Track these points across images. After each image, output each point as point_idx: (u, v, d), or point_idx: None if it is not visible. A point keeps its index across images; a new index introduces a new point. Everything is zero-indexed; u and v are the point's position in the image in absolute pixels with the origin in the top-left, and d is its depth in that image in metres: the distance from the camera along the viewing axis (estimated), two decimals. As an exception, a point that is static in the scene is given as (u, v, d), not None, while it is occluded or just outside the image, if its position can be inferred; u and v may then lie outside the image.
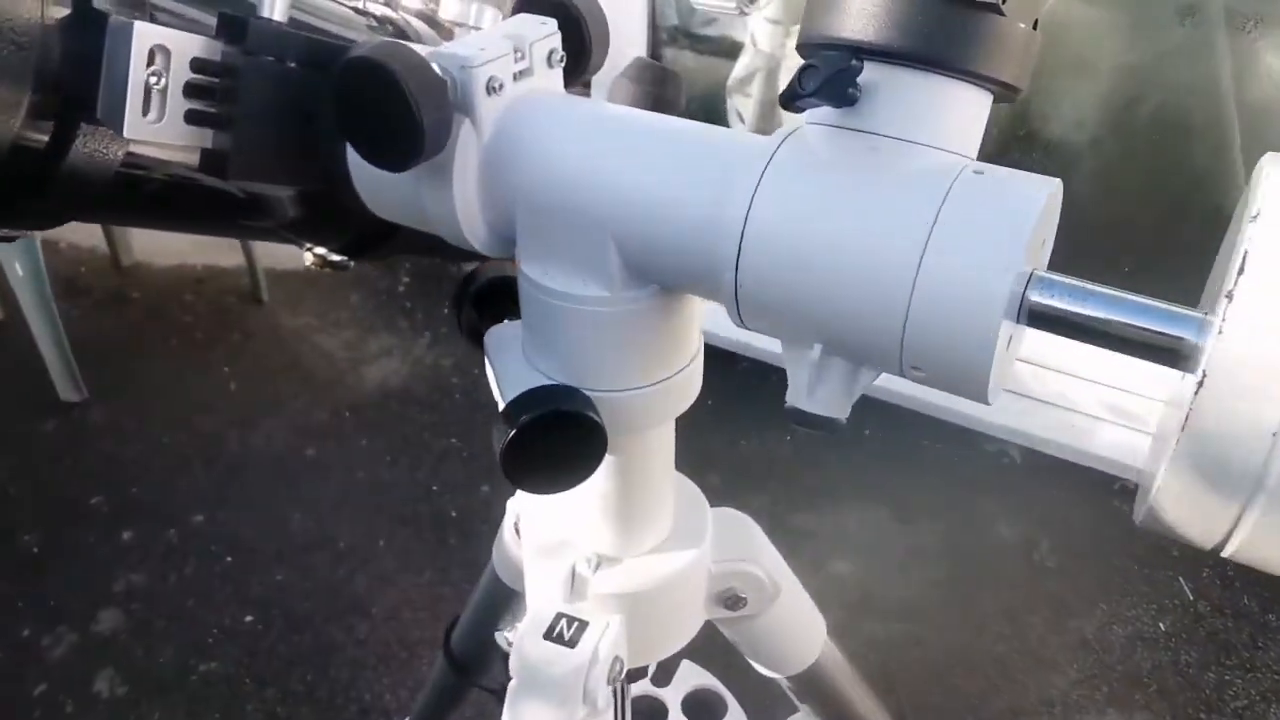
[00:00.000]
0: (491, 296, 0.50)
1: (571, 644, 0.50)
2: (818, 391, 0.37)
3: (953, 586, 1.67)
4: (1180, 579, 1.66)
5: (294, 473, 1.88)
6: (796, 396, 0.38)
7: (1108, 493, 1.81)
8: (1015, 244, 0.32)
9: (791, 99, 0.33)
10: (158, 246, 2.46)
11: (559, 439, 0.42)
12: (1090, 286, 0.34)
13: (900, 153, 0.34)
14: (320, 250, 0.64)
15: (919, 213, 0.33)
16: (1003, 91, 0.35)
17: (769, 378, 2.01)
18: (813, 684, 0.61)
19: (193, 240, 2.49)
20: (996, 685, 1.51)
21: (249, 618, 1.60)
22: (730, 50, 2.13)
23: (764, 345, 1.99)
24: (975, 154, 0.36)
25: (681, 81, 0.65)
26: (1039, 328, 0.34)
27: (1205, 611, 1.61)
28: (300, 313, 2.29)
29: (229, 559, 1.70)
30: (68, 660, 1.53)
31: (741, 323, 0.38)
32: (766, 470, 1.86)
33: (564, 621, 0.51)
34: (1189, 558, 1.69)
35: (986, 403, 0.35)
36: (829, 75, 0.32)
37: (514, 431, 0.40)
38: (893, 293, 0.33)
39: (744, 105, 2.08)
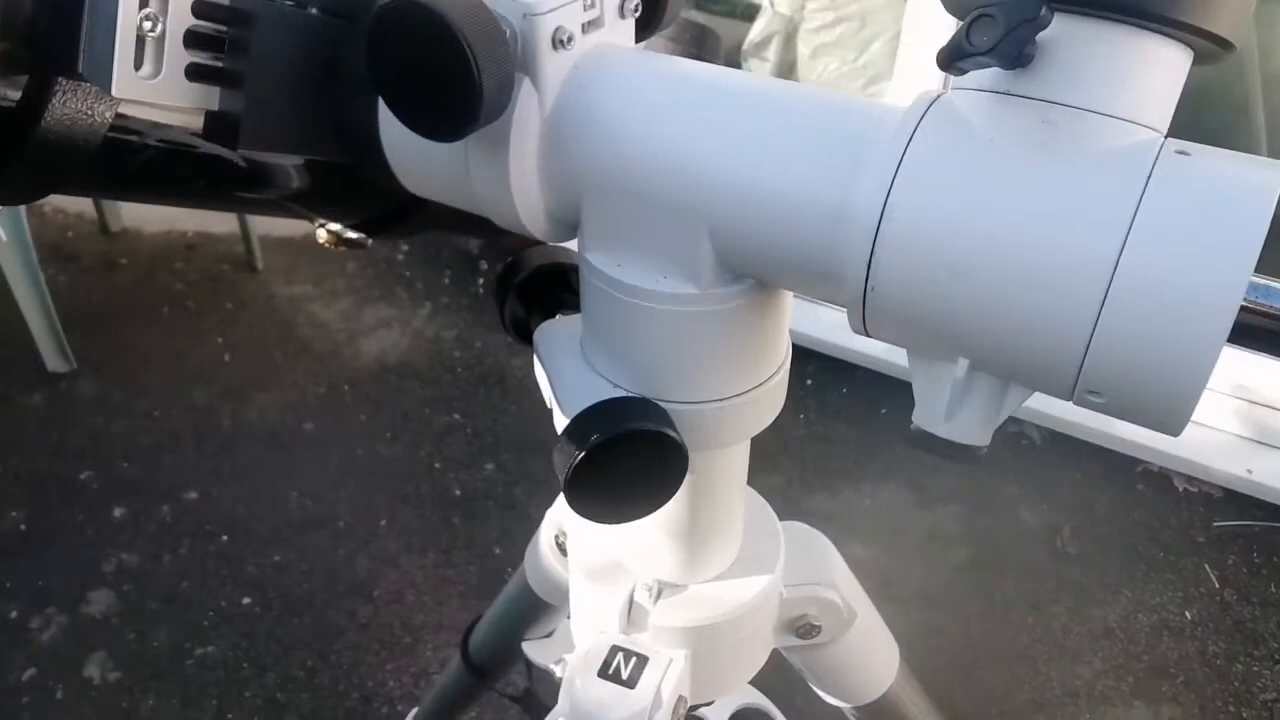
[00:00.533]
0: (541, 286, 0.43)
1: (630, 683, 0.44)
2: (958, 415, 0.30)
3: (973, 572, 1.62)
4: (1206, 566, 1.61)
5: (291, 449, 1.81)
6: (929, 419, 0.31)
7: (1131, 476, 1.76)
8: (1246, 247, 0.25)
9: (955, 58, 0.26)
10: (147, 212, 2.37)
11: (633, 462, 0.35)
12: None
13: (1082, 126, 0.28)
14: (335, 226, 0.57)
15: (1114, 204, 0.26)
16: (1210, 48, 0.28)
17: (781, 353, 1.95)
18: (881, 713, 0.55)
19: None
20: (1019, 676, 1.47)
21: (246, 600, 1.54)
22: (747, 12, 2.05)
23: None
24: (1167, 129, 0.29)
25: (720, 41, 0.58)
26: (1241, 343, 0.28)
27: (1232, 600, 1.57)
28: (295, 281, 2.21)
29: (224, 538, 1.64)
30: (57, 643, 1.47)
31: (865, 330, 0.32)
32: (781, 449, 1.80)
33: (620, 656, 0.45)
34: (1214, 543, 1.65)
35: (1176, 434, 0.28)
36: (1011, 27, 0.25)
37: (582, 454, 0.34)
38: (1077, 304, 0.27)
39: (760, 69, 2.00)
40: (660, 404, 0.37)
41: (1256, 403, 1.72)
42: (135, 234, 2.34)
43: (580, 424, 0.35)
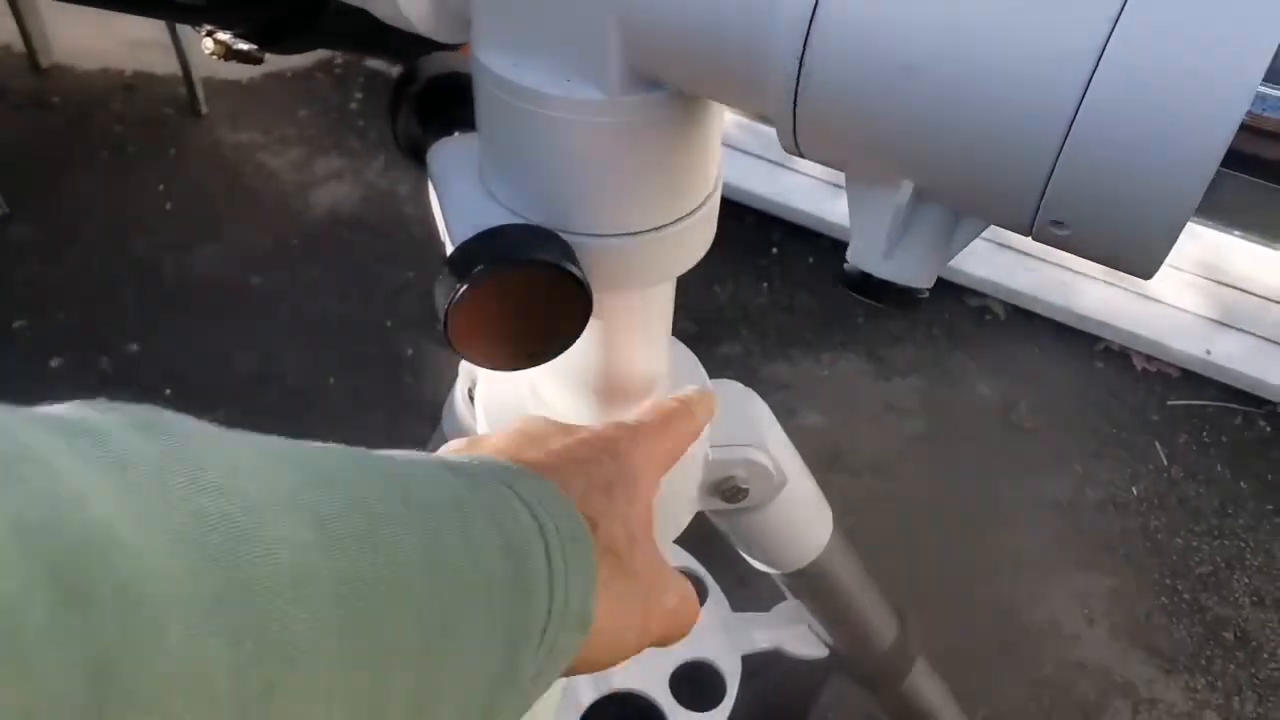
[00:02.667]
0: (439, 99, 0.37)
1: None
2: (900, 251, 0.26)
3: (927, 443, 1.62)
4: (1157, 443, 1.62)
5: (237, 303, 1.75)
6: (864, 255, 0.27)
7: (1091, 353, 1.75)
8: (1258, 39, 0.20)
9: None
10: (81, 47, 2.22)
11: (526, 299, 0.31)
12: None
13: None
14: (223, 35, 0.50)
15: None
16: None
17: (745, 219, 1.89)
18: (811, 581, 0.53)
19: (120, 41, 2.26)
20: (964, 545, 1.49)
21: (190, 455, 1.51)
22: None
23: (742, 183, 1.86)
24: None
25: None
26: (1237, 168, 0.23)
27: (1179, 477, 1.58)
28: (242, 128, 2.10)
29: (167, 392, 1.59)
30: (-6, 494, 1.44)
31: (796, 147, 0.27)
32: (742, 318, 1.77)
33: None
34: (1167, 421, 1.65)
35: (1148, 276, 0.24)
36: None
37: (464, 287, 0.29)
38: (1048, 105, 0.22)
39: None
40: (562, 235, 0.32)
41: (1220, 282, 1.70)
42: (69, 71, 2.19)
43: (464, 253, 0.30)
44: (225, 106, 2.13)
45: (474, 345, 0.31)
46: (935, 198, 0.26)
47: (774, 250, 1.89)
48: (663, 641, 0.36)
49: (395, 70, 0.46)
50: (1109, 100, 0.21)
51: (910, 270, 0.27)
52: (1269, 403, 1.65)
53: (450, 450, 0.35)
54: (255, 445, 0.23)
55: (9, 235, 1.82)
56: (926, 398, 1.68)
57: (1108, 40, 0.21)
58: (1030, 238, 0.25)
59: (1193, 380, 1.69)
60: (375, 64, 2.19)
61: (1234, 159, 0.22)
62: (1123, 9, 0.21)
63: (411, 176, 1.98)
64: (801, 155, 0.27)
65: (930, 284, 0.27)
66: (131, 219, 1.87)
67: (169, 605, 0.18)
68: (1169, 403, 1.68)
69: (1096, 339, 1.75)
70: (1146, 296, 1.74)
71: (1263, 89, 0.21)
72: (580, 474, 0.34)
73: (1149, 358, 1.72)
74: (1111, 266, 0.24)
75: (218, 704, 0.18)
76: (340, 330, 1.71)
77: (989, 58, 0.22)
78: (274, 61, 2.45)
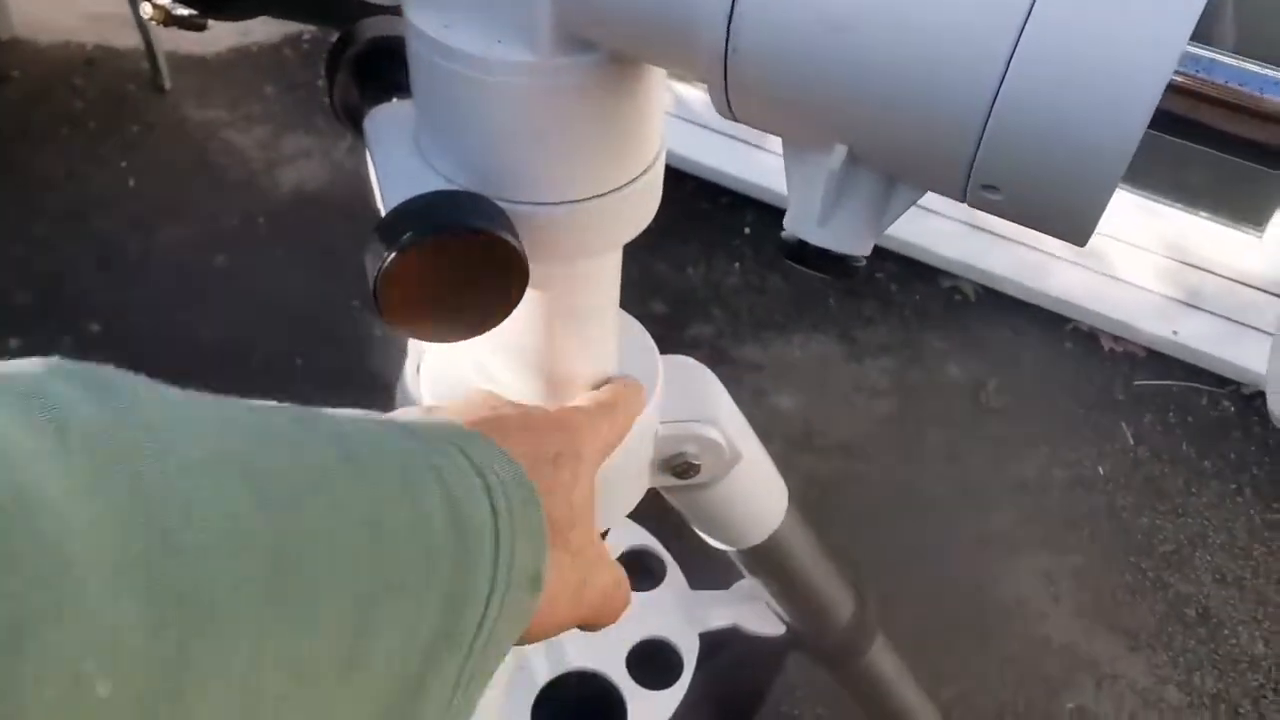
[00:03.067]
0: (375, 64, 0.36)
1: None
2: (834, 217, 0.25)
3: (896, 424, 1.62)
4: (1123, 423, 1.64)
5: (202, 282, 1.72)
6: (800, 223, 0.26)
7: (1060, 334, 1.76)
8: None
9: None
10: (41, 20, 2.17)
11: (459, 269, 0.30)
12: (1253, 65, 0.22)
13: None
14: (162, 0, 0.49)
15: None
16: None
17: (718, 200, 1.88)
18: (767, 559, 0.53)
19: (82, 15, 2.21)
20: (931, 524, 1.50)
21: (153, 436, 1.49)
22: None
23: (714, 164, 1.85)
24: None
25: None
26: (1165, 129, 0.23)
27: (1145, 457, 1.60)
28: (207, 104, 2.06)
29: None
30: (-48, 476, 1.42)
31: (729, 110, 0.26)
32: (713, 298, 1.76)
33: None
34: (1133, 401, 1.67)
35: (1082, 243, 0.23)
36: None
37: (393, 254, 0.28)
38: (975, 65, 0.21)
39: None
40: (499, 202, 0.31)
41: (1186, 263, 1.72)
42: (28, 44, 2.14)
43: (395, 219, 0.29)
44: (189, 82, 2.10)
45: (404, 316, 0.30)
46: (869, 162, 0.25)
47: (746, 231, 1.88)
48: (593, 622, 0.36)
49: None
50: (1038, 60, 0.21)
51: (846, 238, 0.26)
52: (1233, 383, 1.67)
53: (404, 415, 0.35)
54: (200, 407, 0.23)
55: (-34, 213, 1.78)
56: (897, 378, 1.68)
57: (1030, 10, 0.21)
58: (965, 203, 0.24)
59: (1159, 360, 1.71)
60: (344, 40, 2.16)
61: (1165, 121, 0.21)
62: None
63: (380, 155, 1.96)
64: (735, 118, 0.26)
65: (866, 252, 0.27)
66: (93, 196, 1.84)
67: (91, 566, 0.18)
68: (1136, 383, 1.69)
69: (1065, 320, 1.76)
70: (1115, 278, 1.75)
71: (1192, 49, 0.21)
72: (530, 442, 0.34)
73: (1116, 338, 1.73)
74: (1046, 232, 0.24)
75: (133, 663, 0.18)
76: (308, 310, 1.69)
77: (918, 15, 0.22)
78: (240, 37, 2.40)
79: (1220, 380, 1.67)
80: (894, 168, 0.25)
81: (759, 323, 1.75)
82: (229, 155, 1.97)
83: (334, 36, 0.42)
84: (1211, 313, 1.71)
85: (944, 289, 1.82)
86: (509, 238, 0.29)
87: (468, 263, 0.29)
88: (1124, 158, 0.21)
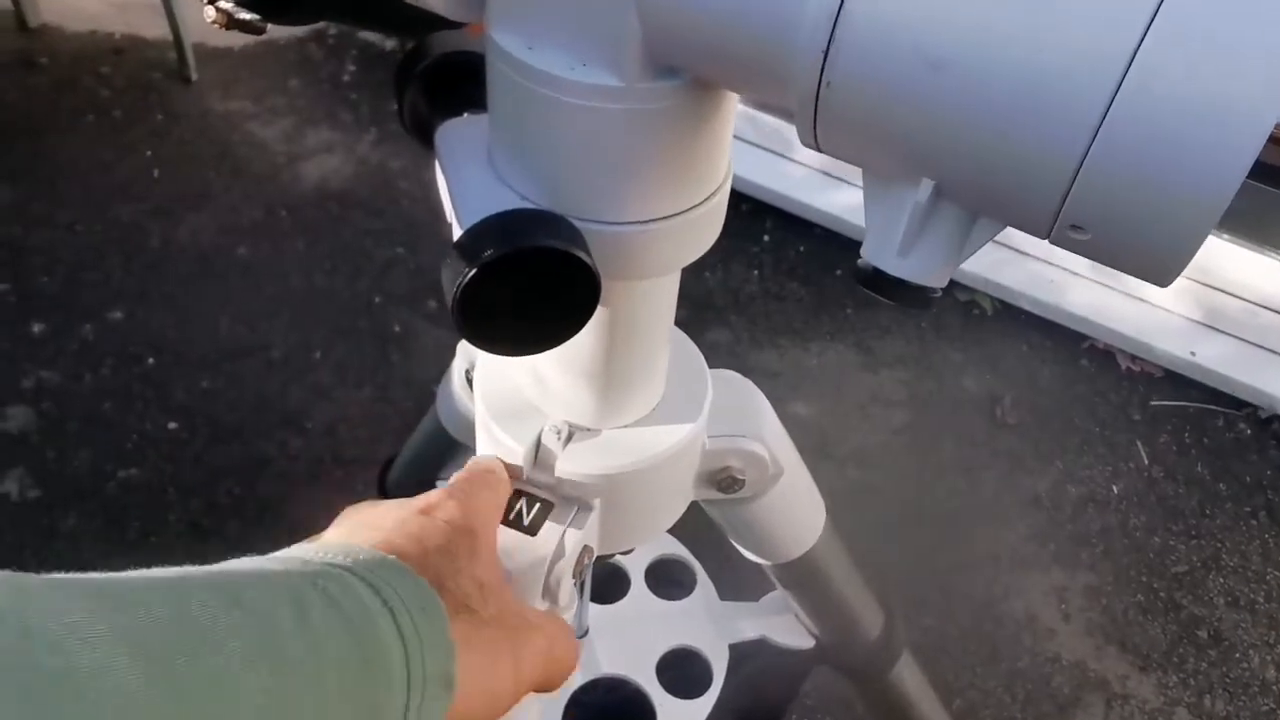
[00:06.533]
0: (447, 78, 0.37)
1: (532, 530, 0.40)
2: (915, 249, 0.26)
3: (911, 436, 1.63)
4: (1139, 443, 1.64)
5: (223, 273, 1.73)
6: (879, 253, 0.27)
7: (1076, 351, 1.76)
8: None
9: None
10: (70, 8, 2.18)
11: (535, 286, 0.30)
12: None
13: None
14: (225, 3, 0.49)
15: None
16: None
17: (738, 206, 1.89)
18: (802, 573, 0.53)
19: (110, 3, 2.22)
20: (944, 538, 1.50)
21: (172, 425, 1.50)
22: None
23: (736, 170, 1.86)
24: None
25: None
26: (1260, 178, 0.23)
27: (1159, 476, 1.60)
28: (232, 96, 2.07)
29: (150, 361, 1.58)
30: (-27, 458, 1.43)
31: (815, 141, 0.26)
32: (732, 304, 1.77)
33: (524, 502, 0.41)
34: (1149, 421, 1.66)
35: (1166, 284, 0.24)
36: None
37: (473, 272, 0.29)
38: (1074, 109, 0.21)
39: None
40: (573, 221, 0.31)
41: (1207, 285, 1.72)
42: (57, 31, 2.16)
43: (474, 237, 0.29)
44: (215, 73, 2.11)
45: (481, 331, 0.30)
46: (954, 197, 0.25)
47: (766, 238, 1.89)
48: (545, 686, 0.36)
49: (391, 44, 0.45)
50: (1137, 107, 0.21)
51: (925, 269, 0.27)
52: (1250, 406, 1.66)
53: (291, 550, 0.34)
54: (80, 593, 0.23)
55: (-8, 197, 1.80)
56: (912, 390, 1.69)
57: (1140, 44, 0.21)
58: (1048, 241, 0.25)
59: (1176, 381, 1.71)
60: (369, 36, 2.17)
61: (1262, 171, 0.22)
62: (1156, 12, 0.21)
63: (405, 152, 1.97)
64: (819, 150, 0.27)
65: (944, 283, 0.27)
66: (118, 184, 1.85)
67: None
68: (1152, 403, 1.69)
69: (1083, 337, 1.76)
70: (1133, 296, 1.75)
71: (1293, 101, 0.21)
72: (415, 542, 0.34)
73: (1134, 357, 1.73)
74: (1127, 273, 0.24)
75: None
76: (328, 304, 1.70)
77: (1018, 56, 0.22)
78: (267, 30, 2.41)
79: (1237, 403, 1.67)
80: (980, 204, 0.25)
81: (776, 330, 1.75)
82: (252, 147, 1.98)
83: (390, 43, 0.42)
84: (1231, 335, 1.71)
85: (961, 302, 1.82)
86: (585, 257, 0.30)
87: (544, 281, 0.30)
88: (1220, 207, 0.21)
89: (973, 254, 0.27)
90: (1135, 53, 0.21)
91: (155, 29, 2.12)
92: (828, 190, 1.85)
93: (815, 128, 0.26)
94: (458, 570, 0.34)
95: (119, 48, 2.14)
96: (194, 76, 2.08)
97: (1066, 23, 0.21)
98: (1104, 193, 0.22)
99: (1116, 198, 0.22)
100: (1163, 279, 0.24)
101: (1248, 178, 0.23)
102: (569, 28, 0.28)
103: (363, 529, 0.35)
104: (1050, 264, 1.80)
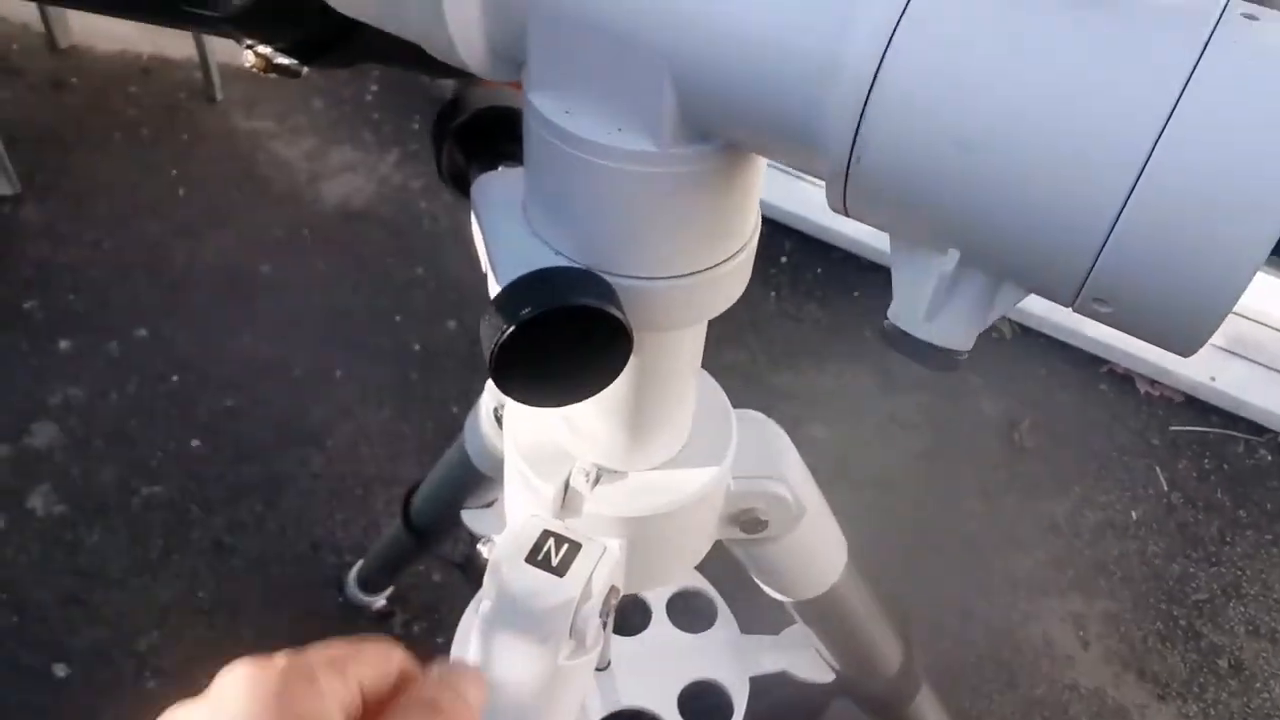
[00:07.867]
0: (484, 132, 0.38)
1: (560, 571, 0.41)
2: (941, 314, 0.26)
3: (929, 459, 1.62)
4: (1158, 468, 1.63)
5: (246, 291, 1.75)
6: (907, 317, 0.27)
7: (1095, 375, 1.75)
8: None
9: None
10: (99, 29, 2.22)
11: (570, 341, 0.31)
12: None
13: (1129, -23, 0.23)
14: (264, 49, 0.51)
15: (1162, 70, 0.22)
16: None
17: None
18: (823, 609, 0.54)
19: (139, 25, 2.26)
20: (962, 562, 1.49)
21: (196, 442, 1.52)
22: None
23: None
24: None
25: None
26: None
27: (1178, 503, 1.59)
28: (256, 116, 2.10)
29: (174, 378, 1.60)
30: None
31: (844, 209, 0.27)
32: (749, 326, 1.77)
33: (552, 542, 0.42)
34: (1169, 447, 1.66)
35: (1189, 355, 0.24)
36: None
37: (511, 329, 0.30)
38: (1100, 189, 0.22)
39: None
40: (605, 277, 0.32)
41: (1230, 310, 1.71)
42: (86, 52, 2.19)
43: (512, 294, 0.30)
44: (240, 93, 2.13)
45: (516, 385, 0.31)
46: (980, 266, 0.26)
47: (784, 260, 1.89)
48: None
49: (429, 82, 0.47)
50: (1160, 190, 0.22)
51: (951, 333, 0.27)
52: (1271, 431, 1.65)
53: None
54: None
55: (21, 215, 1.82)
56: (930, 413, 1.68)
57: (1165, 126, 0.22)
58: (1072, 309, 0.26)
59: (1196, 406, 1.70)
60: (392, 57, 2.20)
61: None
62: (1181, 95, 0.22)
63: (426, 172, 1.99)
64: (847, 215, 0.28)
65: (969, 346, 0.28)
66: (144, 203, 1.88)
67: None
68: (1171, 428, 1.68)
69: (1102, 361, 1.75)
70: (1153, 321, 1.75)
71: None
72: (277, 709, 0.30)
73: (1153, 382, 1.73)
74: (1151, 343, 0.25)
75: None
76: (349, 323, 1.71)
77: (1046, 138, 0.23)
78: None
79: (1258, 429, 1.66)
80: (1006, 273, 0.26)
81: (794, 351, 1.76)
82: (276, 167, 2.00)
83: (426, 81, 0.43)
84: (1251, 360, 1.70)
85: (980, 325, 1.82)
86: (620, 315, 0.31)
87: (579, 337, 0.31)
88: (1241, 287, 0.22)
89: (998, 317, 0.28)
90: (1158, 139, 0.22)
91: (182, 50, 2.16)
92: (846, 213, 1.86)
93: (845, 197, 0.27)
94: None
95: (147, 68, 2.17)
96: (219, 96, 2.11)
97: (1093, 108, 0.22)
98: (1127, 270, 0.23)
99: (1139, 276, 0.23)
100: (1186, 351, 0.24)
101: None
102: (606, 95, 0.29)
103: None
104: (1069, 287, 1.80)
